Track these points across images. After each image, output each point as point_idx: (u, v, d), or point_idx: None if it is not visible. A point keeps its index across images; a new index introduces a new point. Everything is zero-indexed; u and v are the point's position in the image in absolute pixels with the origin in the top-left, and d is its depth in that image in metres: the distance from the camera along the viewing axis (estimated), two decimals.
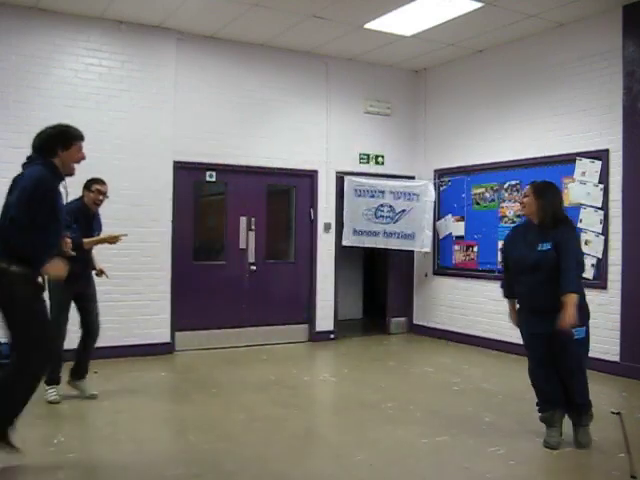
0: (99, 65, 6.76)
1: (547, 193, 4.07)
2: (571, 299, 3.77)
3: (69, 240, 4.12)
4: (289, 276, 8.06)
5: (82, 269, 4.92)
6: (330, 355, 7.59)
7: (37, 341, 3.43)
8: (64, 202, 3.64)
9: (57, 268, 3.48)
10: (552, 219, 4.00)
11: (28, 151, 6.32)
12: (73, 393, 5.11)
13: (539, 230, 4.04)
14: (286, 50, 7.79)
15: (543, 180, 4.33)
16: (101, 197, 5.05)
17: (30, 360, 3.42)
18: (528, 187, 4.19)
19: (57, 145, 3.50)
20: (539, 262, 3.96)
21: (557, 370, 4.08)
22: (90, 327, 5.11)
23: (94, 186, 5.02)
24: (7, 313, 3.40)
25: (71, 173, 3.61)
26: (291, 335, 7.95)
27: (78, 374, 5.11)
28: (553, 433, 4.09)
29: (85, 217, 4.99)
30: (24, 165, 3.58)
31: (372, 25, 6.87)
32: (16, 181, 3.52)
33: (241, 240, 7.67)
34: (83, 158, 3.63)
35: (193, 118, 7.28)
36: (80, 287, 4.97)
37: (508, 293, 4.36)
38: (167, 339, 7.04)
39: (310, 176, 8.06)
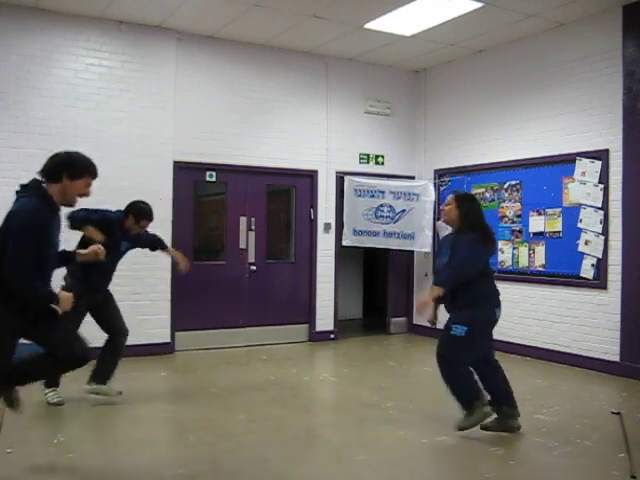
0: (99, 65, 6.76)
1: (466, 203, 4.39)
2: (432, 290, 4.16)
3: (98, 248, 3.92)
4: (289, 276, 8.06)
5: (100, 282, 4.94)
6: (330, 355, 7.59)
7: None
8: (59, 234, 3.42)
9: (65, 301, 3.36)
10: (467, 228, 4.26)
11: (28, 151, 6.43)
12: (74, 394, 5.11)
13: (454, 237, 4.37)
14: (286, 50, 7.80)
15: (465, 192, 4.61)
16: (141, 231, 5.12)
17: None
18: (450, 196, 4.48)
19: (64, 171, 3.28)
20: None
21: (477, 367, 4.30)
22: (114, 334, 5.08)
23: (142, 222, 4.99)
24: None
25: (71, 204, 3.42)
26: (291, 335, 7.95)
27: (100, 378, 4.99)
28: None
29: (118, 233, 4.93)
30: (18, 193, 3.34)
31: (372, 25, 6.87)
32: (10, 216, 3.25)
33: (241, 240, 7.67)
34: (87, 195, 3.41)
35: (193, 118, 7.28)
36: (96, 300, 4.95)
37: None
38: (167, 339, 7.04)
39: (310, 176, 8.06)
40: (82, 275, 4.73)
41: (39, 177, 3.31)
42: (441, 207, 6.87)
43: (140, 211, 4.97)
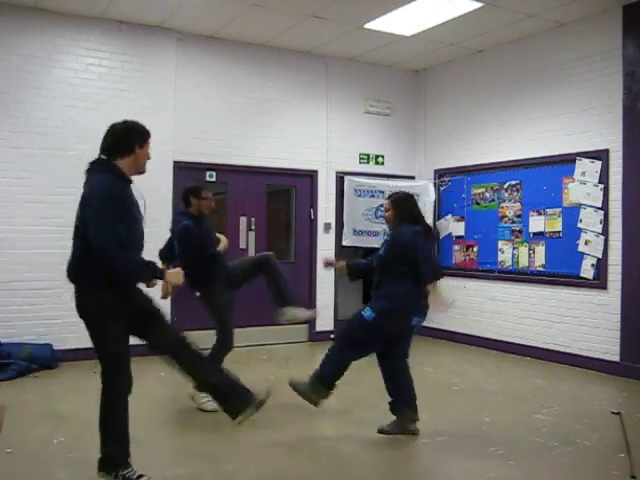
0: (99, 65, 6.76)
1: (400, 202, 4.38)
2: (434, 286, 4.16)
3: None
4: (289, 276, 7.97)
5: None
6: None
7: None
8: (139, 210, 3.36)
9: (174, 276, 3.31)
10: (406, 222, 4.29)
11: (28, 151, 6.44)
12: (74, 398, 5.12)
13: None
14: (286, 50, 7.80)
15: (402, 192, 4.57)
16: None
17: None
18: (387, 201, 4.48)
19: (135, 142, 3.24)
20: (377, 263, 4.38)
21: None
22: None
23: (203, 193, 5.04)
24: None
25: (143, 171, 3.37)
26: (291, 335, 7.94)
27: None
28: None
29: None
30: (87, 172, 3.29)
31: (372, 25, 6.87)
32: (84, 198, 3.21)
33: (241, 240, 7.66)
34: (149, 157, 3.41)
35: (193, 118, 7.28)
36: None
37: None
38: None
39: (310, 176, 8.06)
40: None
41: (104, 156, 3.25)
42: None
43: (195, 189, 5.05)
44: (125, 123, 3.33)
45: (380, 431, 4.25)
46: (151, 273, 3.23)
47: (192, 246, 4.87)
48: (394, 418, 4.28)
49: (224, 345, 5.02)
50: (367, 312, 4.18)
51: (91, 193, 3.16)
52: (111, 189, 3.14)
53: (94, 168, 3.26)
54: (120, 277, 3.17)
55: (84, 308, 3.24)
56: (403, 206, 4.34)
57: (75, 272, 3.23)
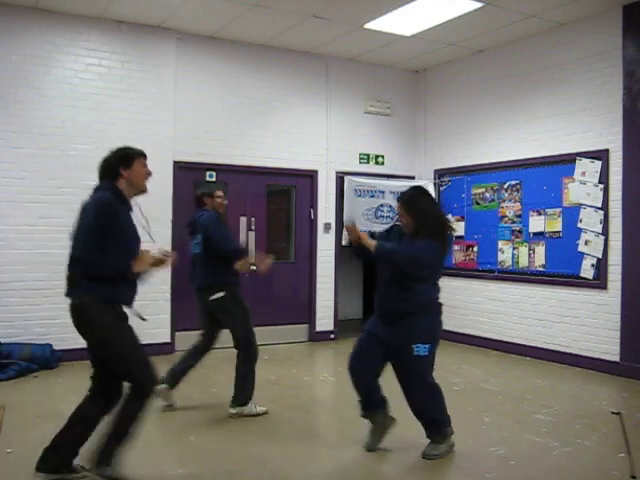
0: (99, 65, 6.76)
1: (416, 206, 3.88)
2: (368, 241, 3.75)
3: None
4: (289, 276, 8.06)
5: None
6: (330, 355, 7.59)
7: None
8: (133, 225, 3.46)
9: (142, 260, 3.32)
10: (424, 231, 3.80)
11: (28, 151, 6.46)
12: (74, 398, 5.10)
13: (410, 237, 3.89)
14: (286, 50, 7.80)
15: (412, 190, 4.06)
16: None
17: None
18: (399, 204, 4.00)
19: (118, 166, 3.43)
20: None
21: (377, 373, 3.96)
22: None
23: (216, 192, 5.06)
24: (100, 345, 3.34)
25: (143, 190, 3.53)
26: (291, 335, 7.95)
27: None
28: (370, 435, 4.01)
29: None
30: (94, 191, 3.49)
31: (372, 25, 6.87)
32: (82, 209, 3.41)
33: (241, 240, 7.66)
34: (149, 173, 3.54)
35: (193, 118, 7.28)
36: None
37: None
38: (167, 339, 7.04)
39: (310, 176, 8.06)
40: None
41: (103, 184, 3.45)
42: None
43: (207, 191, 5.10)
44: (111, 154, 3.50)
45: (369, 449, 3.99)
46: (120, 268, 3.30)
47: (222, 237, 4.79)
48: (372, 430, 4.04)
49: (251, 355, 4.81)
50: (418, 350, 3.76)
51: (88, 207, 3.36)
52: (109, 203, 3.33)
53: (99, 187, 3.45)
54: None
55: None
56: (422, 209, 3.88)
57: None
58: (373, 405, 4.00)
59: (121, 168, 3.43)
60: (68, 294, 3.30)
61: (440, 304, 3.92)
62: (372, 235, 4.07)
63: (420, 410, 3.92)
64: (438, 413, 3.90)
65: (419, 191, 4.07)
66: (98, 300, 3.23)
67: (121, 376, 3.35)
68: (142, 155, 3.54)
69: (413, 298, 3.79)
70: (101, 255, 3.23)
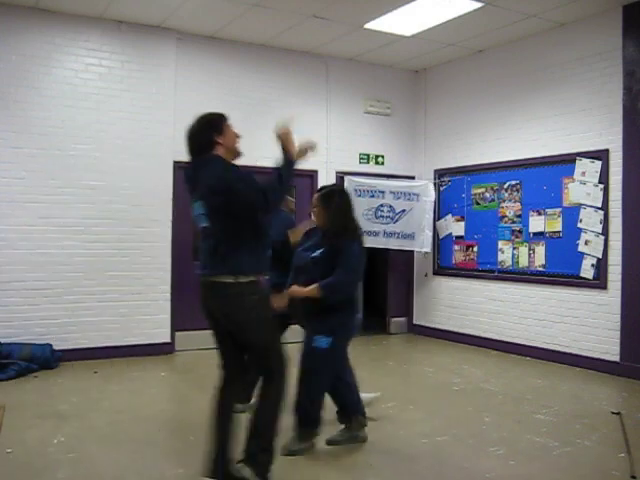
0: (99, 65, 6.76)
1: (332, 202, 4.00)
2: (310, 289, 3.88)
3: None
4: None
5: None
6: None
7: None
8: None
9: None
10: (336, 229, 3.93)
11: (28, 151, 6.44)
12: (74, 398, 5.11)
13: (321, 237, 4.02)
14: (286, 50, 7.80)
15: (333, 186, 4.32)
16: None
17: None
18: (316, 196, 4.12)
19: (212, 135, 3.31)
20: (307, 266, 4.01)
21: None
22: None
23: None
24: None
25: (239, 153, 3.46)
26: (291, 335, 7.92)
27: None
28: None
29: None
30: (195, 162, 3.37)
31: (372, 25, 6.87)
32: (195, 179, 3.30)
33: None
34: (238, 135, 3.44)
35: (193, 118, 7.26)
36: None
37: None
38: (167, 339, 7.03)
39: (310, 176, 8.05)
40: None
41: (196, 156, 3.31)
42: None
43: None
44: (196, 121, 3.37)
45: (329, 442, 4.09)
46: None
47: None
48: (342, 427, 4.15)
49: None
50: (317, 341, 4.03)
51: (220, 177, 3.28)
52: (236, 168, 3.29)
53: (207, 160, 3.31)
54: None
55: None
56: (337, 206, 4.02)
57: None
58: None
59: (215, 136, 3.31)
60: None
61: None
62: (299, 268, 4.10)
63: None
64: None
65: (338, 189, 4.27)
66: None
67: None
68: (227, 118, 3.42)
69: None
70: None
